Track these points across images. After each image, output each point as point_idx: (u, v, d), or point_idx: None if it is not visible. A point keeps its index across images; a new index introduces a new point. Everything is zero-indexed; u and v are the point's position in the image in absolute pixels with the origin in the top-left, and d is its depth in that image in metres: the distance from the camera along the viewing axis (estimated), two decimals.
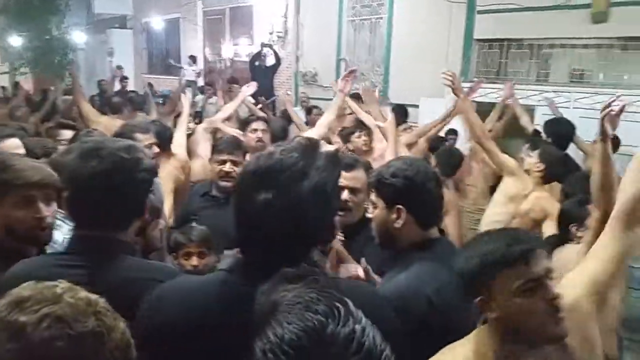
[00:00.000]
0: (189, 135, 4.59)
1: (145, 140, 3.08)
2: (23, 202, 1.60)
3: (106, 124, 5.09)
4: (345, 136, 4.45)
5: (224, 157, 2.90)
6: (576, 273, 1.53)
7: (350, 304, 0.77)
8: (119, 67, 10.33)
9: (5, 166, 1.66)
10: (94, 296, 0.91)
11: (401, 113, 5.74)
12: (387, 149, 3.45)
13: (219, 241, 2.41)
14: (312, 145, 1.15)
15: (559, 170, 3.34)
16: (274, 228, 1.08)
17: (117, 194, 1.36)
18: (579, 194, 2.76)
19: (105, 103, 6.62)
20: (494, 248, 1.30)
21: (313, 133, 3.40)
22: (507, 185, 3.48)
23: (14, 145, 2.61)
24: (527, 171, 3.39)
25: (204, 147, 4.69)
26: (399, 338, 1.18)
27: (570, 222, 2.61)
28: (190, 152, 4.70)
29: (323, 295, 0.77)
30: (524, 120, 4.80)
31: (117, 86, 10.29)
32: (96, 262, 1.34)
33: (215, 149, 3.03)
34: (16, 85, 10.07)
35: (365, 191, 2.14)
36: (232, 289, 1.10)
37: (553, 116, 5.17)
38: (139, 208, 1.44)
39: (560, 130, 4.14)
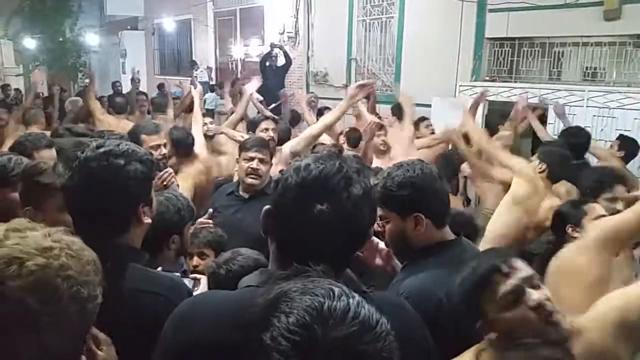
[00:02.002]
0: (212, 135, 4.69)
1: (151, 141, 3.12)
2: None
3: (111, 123, 5.19)
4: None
5: (252, 154, 2.91)
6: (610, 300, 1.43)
7: (344, 287, 0.84)
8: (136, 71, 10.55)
9: (42, 170, 1.69)
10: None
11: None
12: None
13: (238, 239, 2.44)
14: (338, 152, 1.15)
15: (562, 167, 3.24)
16: (332, 238, 1.05)
17: (100, 202, 1.32)
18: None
19: (110, 104, 6.69)
20: (469, 274, 1.35)
21: (315, 129, 3.39)
22: (517, 188, 3.23)
23: (49, 156, 2.61)
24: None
25: (229, 146, 4.78)
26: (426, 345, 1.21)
27: (566, 224, 2.54)
28: (216, 150, 4.80)
29: (318, 282, 0.85)
30: (541, 132, 4.77)
31: (128, 86, 10.41)
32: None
33: (242, 147, 3.03)
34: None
35: None
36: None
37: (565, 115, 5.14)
38: (134, 210, 1.38)
39: (577, 140, 4.11)
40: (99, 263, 0.99)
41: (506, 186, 3.34)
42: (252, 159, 2.90)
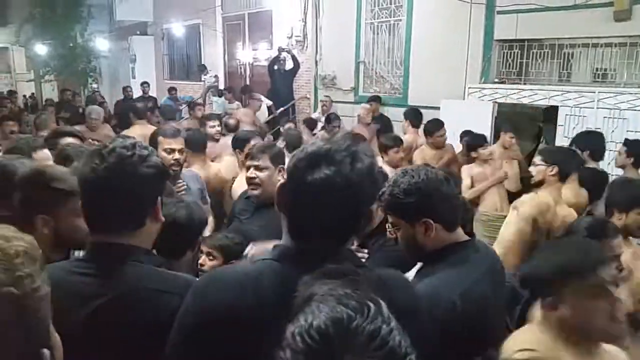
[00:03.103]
0: (218, 139, 4.71)
1: (167, 143, 3.13)
2: (79, 210, 1.63)
3: (139, 134, 5.18)
4: (384, 148, 4.46)
5: (249, 162, 2.85)
6: None
7: (384, 305, 0.79)
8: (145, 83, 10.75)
9: (54, 177, 1.69)
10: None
11: (416, 118, 5.72)
12: None
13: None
14: (353, 136, 1.21)
15: (571, 162, 3.19)
16: (334, 205, 1.11)
17: (120, 194, 1.33)
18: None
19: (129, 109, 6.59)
20: (569, 257, 1.53)
21: None
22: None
23: (45, 156, 2.62)
24: (541, 182, 3.16)
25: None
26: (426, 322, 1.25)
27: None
28: (219, 156, 4.81)
29: (357, 292, 0.81)
30: None
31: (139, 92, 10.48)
32: (107, 271, 1.33)
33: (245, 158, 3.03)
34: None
35: None
36: (287, 278, 1.04)
37: (575, 116, 5.12)
38: (148, 208, 1.39)
39: (594, 143, 4.09)
40: (33, 247, 0.88)
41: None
42: (249, 167, 2.83)
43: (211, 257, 2.43)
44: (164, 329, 1.20)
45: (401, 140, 4.54)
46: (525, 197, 3.21)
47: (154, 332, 1.22)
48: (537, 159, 3.24)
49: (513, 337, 1.59)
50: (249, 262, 1.21)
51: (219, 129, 5.00)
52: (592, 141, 4.15)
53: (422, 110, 5.97)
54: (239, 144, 3.96)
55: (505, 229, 3.14)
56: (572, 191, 3.34)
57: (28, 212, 1.61)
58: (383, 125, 6.78)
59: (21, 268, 0.81)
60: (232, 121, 5.72)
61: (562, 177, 3.13)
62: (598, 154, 4.10)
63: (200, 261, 2.41)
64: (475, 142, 4.70)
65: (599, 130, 4.71)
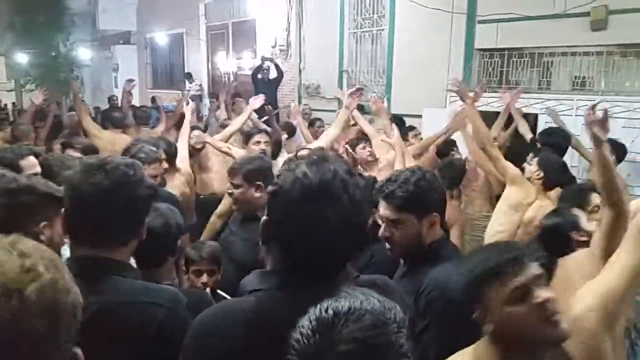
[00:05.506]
0: (200, 149, 4.65)
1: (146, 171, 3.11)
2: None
3: (108, 138, 5.15)
4: (350, 147, 4.49)
5: (230, 180, 2.81)
6: (591, 285, 1.60)
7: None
8: (130, 80, 10.55)
9: (48, 184, 1.69)
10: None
11: (400, 124, 5.75)
12: (396, 161, 3.52)
13: (224, 259, 2.51)
14: (324, 154, 1.18)
15: (558, 176, 3.34)
16: (336, 238, 1.09)
17: (117, 211, 1.34)
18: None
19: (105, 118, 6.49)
20: (481, 261, 1.38)
21: (319, 144, 3.43)
22: (510, 194, 3.49)
23: (31, 163, 2.60)
24: (529, 179, 3.40)
25: (215, 162, 4.77)
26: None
27: (562, 233, 2.54)
28: (202, 166, 4.78)
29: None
30: (523, 128, 4.83)
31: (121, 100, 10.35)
32: (91, 285, 1.30)
33: None
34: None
35: None
36: (296, 309, 0.97)
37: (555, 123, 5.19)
38: (138, 226, 1.42)
39: (555, 141, 4.16)
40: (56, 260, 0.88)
41: (500, 185, 3.49)
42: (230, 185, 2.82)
43: (212, 274, 2.44)
44: (150, 341, 1.21)
45: (367, 137, 4.58)
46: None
47: (140, 344, 1.23)
48: (533, 159, 3.41)
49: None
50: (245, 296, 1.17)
51: (196, 132, 4.94)
52: (553, 139, 4.20)
53: (405, 118, 6.03)
54: (245, 140, 4.26)
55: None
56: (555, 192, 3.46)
57: (27, 219, 1.60)
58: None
59: (68, 275, 0.84)
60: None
61: (546, 185, 3.25)
62: (559, 152, 4.11)
63: (204, 280, 2.41)
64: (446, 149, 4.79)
65: (578, 137, 4.79)
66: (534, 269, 1.34)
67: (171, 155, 3.68)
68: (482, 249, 1.51)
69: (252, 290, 1.14)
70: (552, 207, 3.19)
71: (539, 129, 5.71)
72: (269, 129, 4.91)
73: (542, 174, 3.27)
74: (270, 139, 4.26)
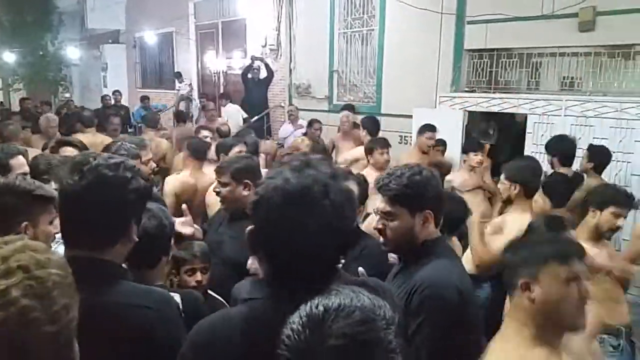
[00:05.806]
0: None
1: (143, 156, 3.12)
2: (53, 219, 1.60)
3: (89, 141, 5.10)
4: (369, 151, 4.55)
5: (216, 177, 2.89)
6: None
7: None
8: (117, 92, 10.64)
9: (38, 185, 1.68)
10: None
11: (373, 127, 5.72)
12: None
13: (214, 257, 2.52)
14: (308, 159, 1.17)
15: (534, 181, 3.28)
16: (320, 243, 1.09)
17: (97, 211, 1.33)
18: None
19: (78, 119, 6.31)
20: (552, 244, 1.63)
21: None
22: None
23: (20, 162, 2.62)
24: (508, 198, 3.25)
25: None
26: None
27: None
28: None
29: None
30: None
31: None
32: (81, 285, 1.32)
33: None
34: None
35: None
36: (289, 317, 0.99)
37: (544, 123, 5.23)
38: (125, 226, 1.40)
39: (563, 149, 4.19)
40: (67, 274, 0.90)
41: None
42: (217, 181, 2.88)
43: (205, 271, 2.45)
44: (139, 343, 1.20)
45: (387, 142, 4.64)
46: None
47: (129, 346, 1.22)
48: (502, 176, 3.31)
49: (490, 352, 1.58)
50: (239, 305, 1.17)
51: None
52: (561, 147, 4.25)
53: (395, 119, 6.05)
54: (222, 150, 4.10)
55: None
56: (540, 197, 3.44)
57: (9, 218, 1.60)
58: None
59: (59, 301, 0.81)
60: (224, 128, 5.75)
61: (528, 195, 3.21)
62: (568, 160, 4.19)
63: (198, 279, 2.41)
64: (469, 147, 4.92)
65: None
66: (582, 264, 1.58)
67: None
68: (543, 235, 1.97)
69: (247, 299, 1.15)
70: (529, 216, 3.09)
71: (528, 130, 5.76)
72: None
73: (517, 188, 3.19)
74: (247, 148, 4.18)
